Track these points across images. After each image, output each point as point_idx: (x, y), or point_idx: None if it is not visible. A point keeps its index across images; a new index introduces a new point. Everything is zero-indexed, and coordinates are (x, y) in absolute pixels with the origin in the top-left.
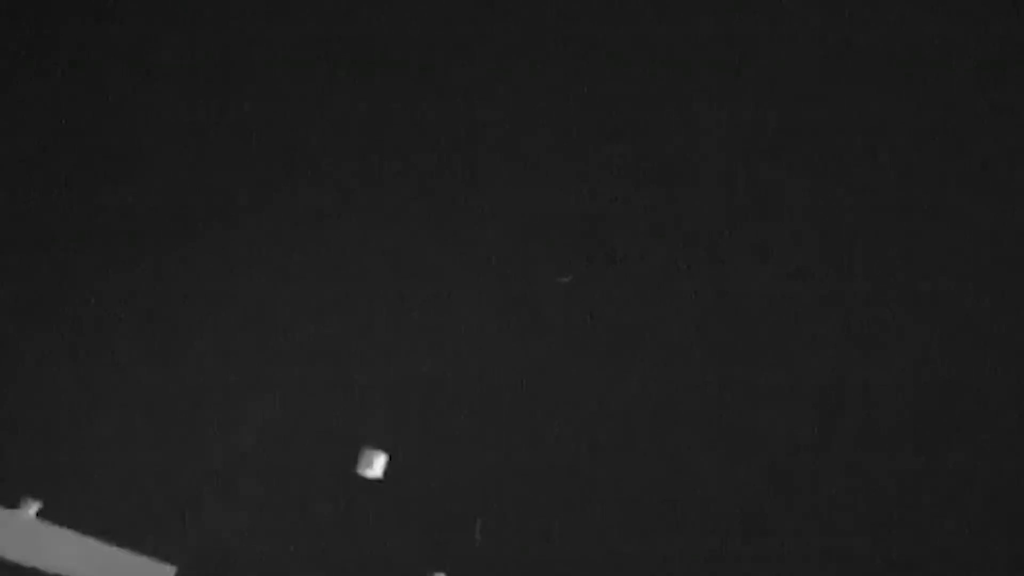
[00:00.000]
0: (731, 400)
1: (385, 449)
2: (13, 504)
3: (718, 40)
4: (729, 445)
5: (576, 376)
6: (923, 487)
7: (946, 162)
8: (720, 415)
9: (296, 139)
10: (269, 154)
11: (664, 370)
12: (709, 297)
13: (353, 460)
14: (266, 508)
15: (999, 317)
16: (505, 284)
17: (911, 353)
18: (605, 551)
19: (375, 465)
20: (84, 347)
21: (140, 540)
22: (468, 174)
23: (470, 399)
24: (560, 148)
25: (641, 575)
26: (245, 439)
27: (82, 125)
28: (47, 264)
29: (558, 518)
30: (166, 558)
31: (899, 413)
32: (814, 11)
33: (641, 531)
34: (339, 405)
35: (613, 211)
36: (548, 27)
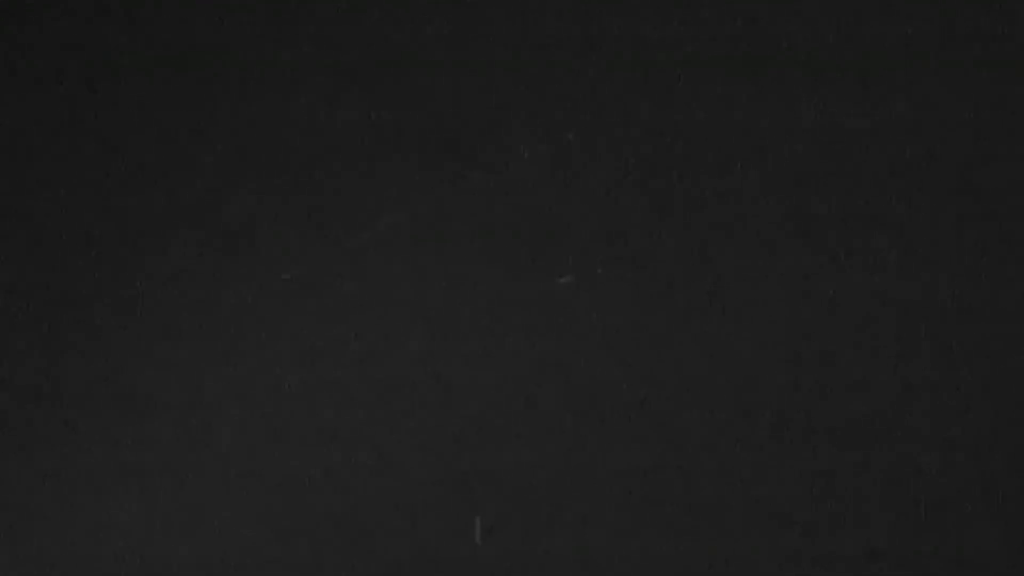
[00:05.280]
0: (734, 400)
1: (384, 448)
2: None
3: (719, 39)
4: (734, 444)
5: (576, 376)
6: (932, 484)
7: (948, 162)
8: (724, 415)
9: (294, 139)
10: (265, 154)
11: (666, 370)
12: (714, 298)
13: (351, 460)
14: (263, 509)
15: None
16: (504, 284)
17: (918, 353)
18: (607, 551)
19: None
20: (77, 346)
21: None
22: (467, 173)
23: (470, 398)
24: (561, 147)
25: (643, 575)
26: (242, 441)
27: (79, 125)
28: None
29: (559, 518)
30: (165, 562)
31: (911, 413)
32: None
33: (643, 531)
34: (338, 405)
35: (614, 211)
36: (545, 25)
